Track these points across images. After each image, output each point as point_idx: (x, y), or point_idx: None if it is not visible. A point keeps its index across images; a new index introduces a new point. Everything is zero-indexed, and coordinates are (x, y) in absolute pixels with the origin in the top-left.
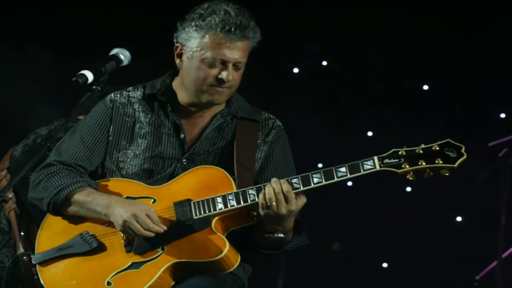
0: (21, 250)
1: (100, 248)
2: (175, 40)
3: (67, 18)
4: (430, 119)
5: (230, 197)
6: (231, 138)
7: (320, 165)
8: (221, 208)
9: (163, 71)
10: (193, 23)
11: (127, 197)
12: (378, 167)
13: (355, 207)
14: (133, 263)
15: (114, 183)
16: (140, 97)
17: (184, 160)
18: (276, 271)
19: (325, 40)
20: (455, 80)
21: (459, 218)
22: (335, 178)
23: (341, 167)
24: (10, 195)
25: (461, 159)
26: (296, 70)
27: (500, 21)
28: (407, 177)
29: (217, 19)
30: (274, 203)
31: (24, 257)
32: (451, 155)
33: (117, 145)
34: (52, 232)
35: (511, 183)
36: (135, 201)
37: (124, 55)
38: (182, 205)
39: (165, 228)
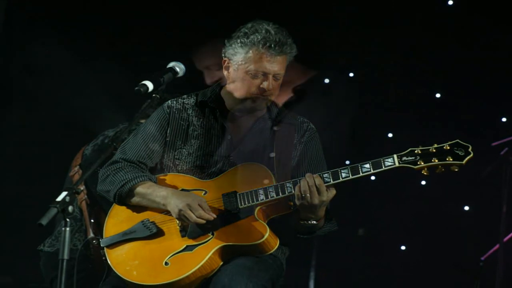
0: (91, 235)
1: (159, 233)
2: (223, 55)
3: (131, 36)
4: (442, 122)
5: (270, 190)
6: (271, 139)
7: (347, 162)
8: (263, 199)
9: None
10: (238, 40)
11: (182, 189)
12: (397, 164)
13: (377, 198)
14: (187, 246)
15: (171, 178)
16: (193, 104)
17: (231, 157)
18: (310, 252)
19: (352, 54)
20: (463, 89)
21: (466, 207)
22: (360, 173)
23: (366, 163)
24: (82, 187)
25: (468, 157)
26: (327, 80)
27: (502, 40)
28: (422, 172)
29: (259, 37)
30: (308, 195)
31: (94, 241)
32: (459, 154)
33: (173, 145)
34: (118, 220)
35: (511, 178)
36: (189, 193)
37: (179, 68)
38: (229, 196)
39: (215, 216)
